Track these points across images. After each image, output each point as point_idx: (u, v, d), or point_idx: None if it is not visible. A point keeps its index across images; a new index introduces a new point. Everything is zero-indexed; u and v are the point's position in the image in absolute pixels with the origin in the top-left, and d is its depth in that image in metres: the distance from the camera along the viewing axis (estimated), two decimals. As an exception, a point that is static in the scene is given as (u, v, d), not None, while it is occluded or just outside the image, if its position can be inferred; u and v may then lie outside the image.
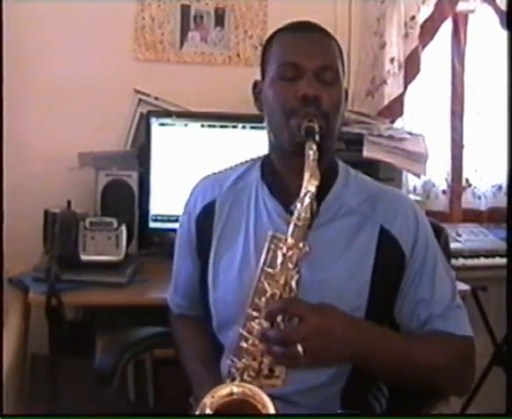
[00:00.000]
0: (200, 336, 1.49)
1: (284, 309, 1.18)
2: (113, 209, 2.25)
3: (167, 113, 2.39)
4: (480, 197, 2.91)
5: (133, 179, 2.32)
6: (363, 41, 2.71)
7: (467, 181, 2.93)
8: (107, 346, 1.72)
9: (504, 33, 2.72)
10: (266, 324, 1.19)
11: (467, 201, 2.92)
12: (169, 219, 2.34)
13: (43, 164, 2.43)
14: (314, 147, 1.25)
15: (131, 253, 2.21)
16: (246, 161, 1.50)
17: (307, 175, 1.22)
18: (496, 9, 2.78)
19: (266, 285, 1.21)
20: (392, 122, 2.67)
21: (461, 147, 2.92)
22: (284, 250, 1.20)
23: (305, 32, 1.36)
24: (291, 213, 1.23)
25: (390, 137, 2.45)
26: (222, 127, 2.36)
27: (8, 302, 2.01)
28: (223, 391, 1.18)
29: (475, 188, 2.91)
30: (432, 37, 2.76)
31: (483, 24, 2.86)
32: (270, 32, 1.45)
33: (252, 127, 2.31)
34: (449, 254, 1.60)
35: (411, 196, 2.60)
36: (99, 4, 2.43)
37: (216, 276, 1.42)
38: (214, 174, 1.53)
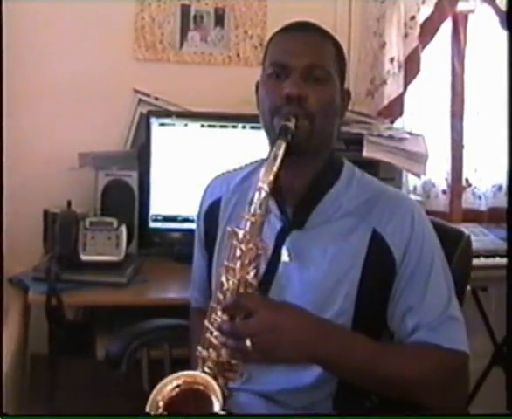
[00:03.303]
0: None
1: (237, 303, 1.18)
2: (113, 209, 2.25)
3: (167, 113, 2.39)
4: (480, 197, 2.91)
5: (133, 179, 2.32)
6: (362, 41, 2.71)
7: (467, 181, 2.92)
8: (117, 332, 1.76)
9: (504, 33, 2.71)
10: (225, 317, 1.20)
11: (467, 201, 2.92)
12: (168, 219, 2.34)
13: (43, 164, 2.43)
14: (283, 145, 1.24)
15: (131, 253, 2.21)
16: (256, 161, 1.51)
17: (262, 172, 1.22)
18: (496, 9, 2.78)
19: (225, 279, 1.22)
20: (392, 122, 2.67)
21: (461, 147, 2.91)
22: (242, 245, 1.20)
23: (296, 32, 1.35)
24: (248, 209, 1.22)
25: (390, 137, 2.44)
26: (222, 127, 2.35)
27: (8, 302, 2.01)
28: (168, 386, 1.18)
29: (475, 188, 2.91)
30: (431, 37, 2.76)
31: (483, 24, 2.85)
32: (270, 32, 1.46)
33: (252, 127, 2.31)
34: (470, 258, 1.55)
35: (411, 196, 2.61)
36: (99, 4, 2.43)
37: (217, 273, 1.42)
38: (226, 172, 1.55)
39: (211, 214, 1.50)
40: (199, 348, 1.24)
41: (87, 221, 2.11)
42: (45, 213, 2.22)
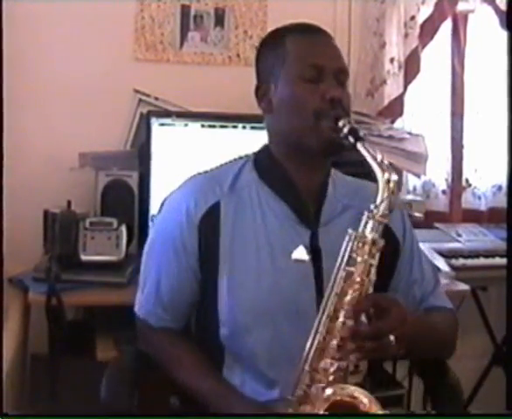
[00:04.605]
0: (193, 348, 1.44)
1: (375, 304, 1.23)
2: (113, 209, 2.25)
3: (167, 113, 2.39)
4: (480, 197, 2.91)
5: (133, 179, 2.31)
6: (362, 41, 2.71)
7: (467, 181, 2.93)
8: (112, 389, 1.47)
9: (504, 33, 2.72)
10: (350, 322, 1.22)
11: (467, 201, 2.92)
12: (169, 219, 2.33)
13: (43, 164, 2.43)
14: (367, 145, 1.28)
15: (131, 253, 2.21)
16: (235, 160, 1.48)
17: (386, 175, 1.25)
18: (496, 9, 2.78)
19: (348, 283, 1.23)
20: (392, 122, 2.67)
21: (461, 147, 2.92)
22: (366, 247, 1.24)
23: (319, 35, 1.39)
24: (371, 211, 1.25)
25: (390, 137, 2.45)
26: (222, 127, 2.35)
27: (8, 302, 2.01)
28: (346, 390, 1.21)
29: (475, 188, 2.92)
30: (431, 37, 2.77)
31: (483, 24, 2.86)
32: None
33: (252, 127, 2.31)
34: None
35: (411, 196, 2.61)
36: (99, 4, 2.43)
37: (230, 281, 1.37)
38: (205, 173, 1.47)
39: (208, 220, 1.38)
40: (305, 365, 1.23)
41: (87, 221, 2.11)
42: (45, 213, 2.21)
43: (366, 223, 1.25)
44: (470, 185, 2.92)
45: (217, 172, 1.46)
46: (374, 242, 1.24)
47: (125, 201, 2.30)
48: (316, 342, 1.24)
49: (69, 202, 2.12)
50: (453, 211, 2.90)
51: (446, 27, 2.83)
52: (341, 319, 1.22)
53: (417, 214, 2.39)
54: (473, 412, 2.66)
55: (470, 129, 2.91)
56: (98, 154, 2.37)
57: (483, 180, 2.91)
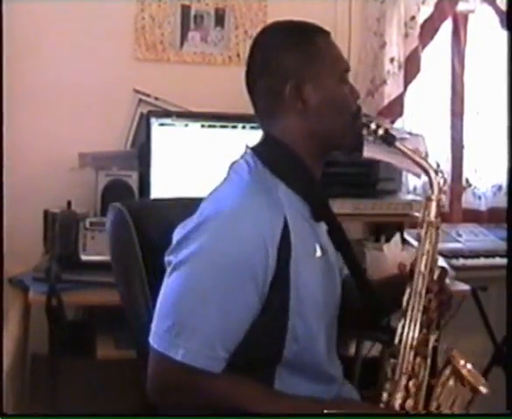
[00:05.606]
0: (245, 378, 1.27)
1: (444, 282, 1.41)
2: (113, 209, 2.25)
3: (167, 113, 2.39)
4: (480, 197, 2.91)
5: (133, 179, 2.31)
6: (363, 41, 2.71)
7: (467, 181, 2.93)
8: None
9: (504, 33, 2.72)
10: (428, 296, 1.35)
11: (467, 201, 2.92)
12: (169, 219, 2.33)
13: (43, 164, 2.43)
14: (403, 143, 1.44)
15: (131, 253, 2.21)
16: (237, 163, 1.36)
17: (433, 166, 1.44)
18: (496, 9, 2.79)
19: (431, 266, 1.36)
20: (392, 122, 2.67)
21: (461, 147, 2.92)
22: (433, 229, 1.37)
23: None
24: (430, 198, 1.39)
25: (390, 137, 2.44)
26: (222, 127, 2.35)
27: (8, 302, 2.01)
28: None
29: (475, 188, 2.92)
30: (432, 37, 2.77)
31: (483, 24, 2.86)
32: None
33: (252, 127, 2.31)
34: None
35: (411, 196, 2.61)
36: (99, 4, 2.43)
37: (303, 297, 1.28)
38: (246, 179, 1.31)
39: (284, 237, 1.24)
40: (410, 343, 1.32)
41: (87, 221, 2.11)
42: (45, 213, 2.21)
43: (428, 208, 1.39)
44: (470, 185, 2.92)
45: (255, 177, 1.31)
46: (435, 224, 1.37)
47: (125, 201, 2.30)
48: (414, 320, 1.33)
49: (69, 202, 2.13)
50: (454, 211, 2.90)
51: (446, 27, 2.83)
52: (423, 292, 1.34)
53: (417, 214, 2.39)
54: (473, 412, 2.66)
55: (470, 129, 2.91)
56: (98, 154, 2.37)
57: (483, 180, 2.91)
